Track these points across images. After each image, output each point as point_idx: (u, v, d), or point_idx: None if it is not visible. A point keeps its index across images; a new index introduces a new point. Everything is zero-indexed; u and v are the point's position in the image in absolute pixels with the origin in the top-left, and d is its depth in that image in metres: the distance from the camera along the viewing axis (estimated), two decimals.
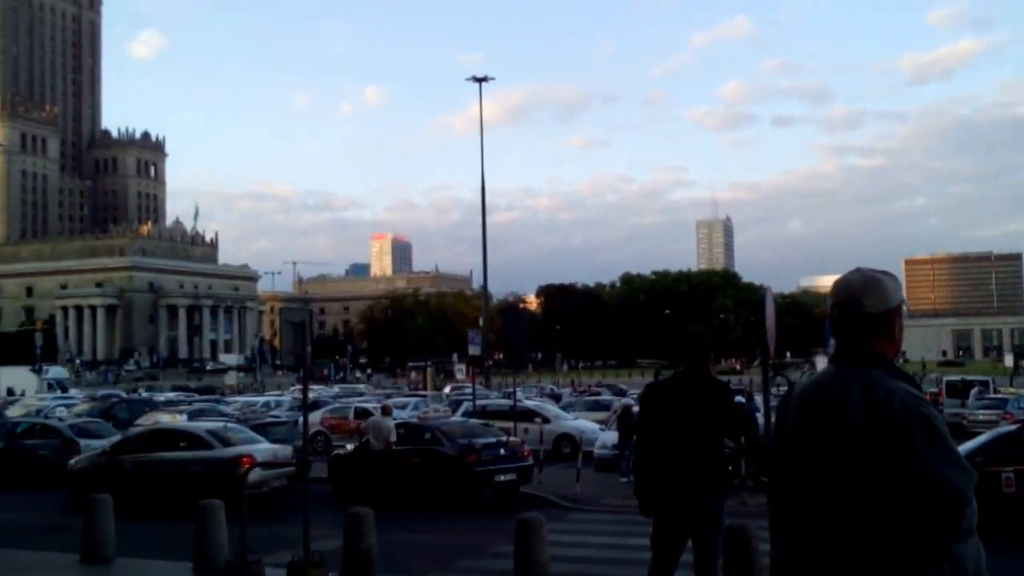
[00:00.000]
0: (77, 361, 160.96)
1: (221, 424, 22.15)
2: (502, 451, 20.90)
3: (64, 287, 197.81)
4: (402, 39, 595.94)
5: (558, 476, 23.06)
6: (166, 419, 24.27)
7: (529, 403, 36.09)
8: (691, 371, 7.07)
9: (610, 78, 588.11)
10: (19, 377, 77.53)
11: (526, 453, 21.69)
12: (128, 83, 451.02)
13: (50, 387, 75.84)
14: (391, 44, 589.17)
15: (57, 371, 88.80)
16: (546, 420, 32.17)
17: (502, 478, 20.48)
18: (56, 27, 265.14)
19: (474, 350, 35.38)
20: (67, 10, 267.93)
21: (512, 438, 22.40)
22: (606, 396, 49.45)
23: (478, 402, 34.27)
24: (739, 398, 14.36)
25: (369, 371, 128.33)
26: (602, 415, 37.09)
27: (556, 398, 50.86)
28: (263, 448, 20.27)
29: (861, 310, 3.09)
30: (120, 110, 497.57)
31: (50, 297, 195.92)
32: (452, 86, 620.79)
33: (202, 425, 21.75)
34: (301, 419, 35.56)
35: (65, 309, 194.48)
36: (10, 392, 67.65)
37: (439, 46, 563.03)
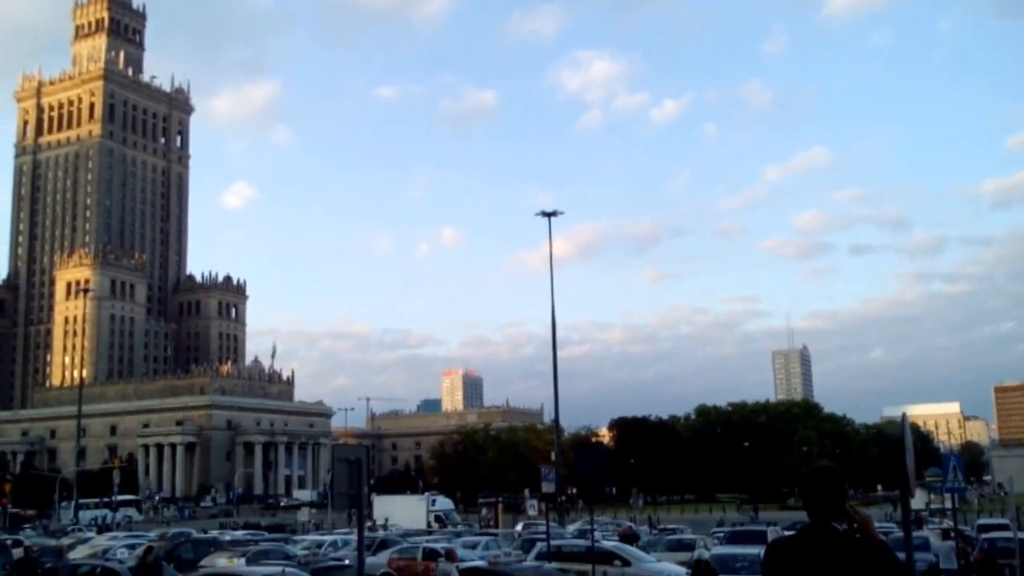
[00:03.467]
0: (156, 497, 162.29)
1: (279, 569, 21.20)
2: None
3: (146, 426, 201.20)
4: (479, 182, 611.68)
5: None
6: (223, 563, 23.37)
7: (607, 544, 34.43)
8: (826, 521, 5.48)
9: (682, 212, 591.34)
10: (407, 506, 70.61)
11: None
12: (214, 229, 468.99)
13: (439, 520, 68.57)
14: (468, 187, 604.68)
15: (444, 502, 79.38)
16: (626, 563, 30.54)
17: None
18: (147, 180, 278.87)
19: (547, 487, 34.06)
20: (157, 164, 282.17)
21: None
22: (688, 535, 47.34)
23: (553, 542, 32.78)
24: None
25: None
26: (686, 556, 35.24)
27: (635, 537, 48.82)
28: None
29: None
30: (205, 256, 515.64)
31: (133, 436, 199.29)
32: (526, 224, 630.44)
33: (258, 571, 20.84)
34: (367, 561, 34.41)
35: (147, 447, 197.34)
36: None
37: (514, 187, 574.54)
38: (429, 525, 60.88)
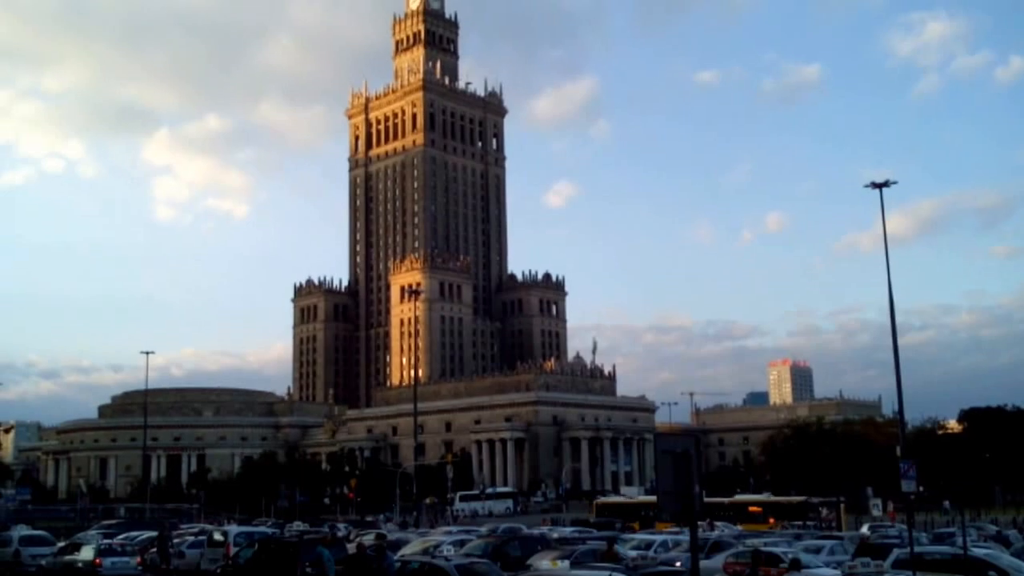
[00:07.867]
0: (488, 491, 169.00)
1: (605, 574, 19.36)
2: None
3: (478, 422, 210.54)
4: (803, 162, 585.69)
5: None
6: (546, 565, 22.02)
7: (978, 551, 29.74)
8: None
9: None
10: None
11: None
12: (534, 228, 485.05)
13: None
14: (791, 169, 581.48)
15: None
16: (1003, 574, 26.00)
17: None
18: (467, 183, 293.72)
19: (908, 484, 29.98)
20: (476, 168, 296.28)
21: None
22: None
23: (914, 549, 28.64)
24: None
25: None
26: None
27: (1003, 541, 42.80)
28: None
29: None
30: (525, 254, 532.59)
31: (466, 432, 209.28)
32: (856, 204, 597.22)
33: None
34: (701, 564, 31.87)
35: (479, 443, 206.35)
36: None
37: (842, 165, 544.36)
38: None
